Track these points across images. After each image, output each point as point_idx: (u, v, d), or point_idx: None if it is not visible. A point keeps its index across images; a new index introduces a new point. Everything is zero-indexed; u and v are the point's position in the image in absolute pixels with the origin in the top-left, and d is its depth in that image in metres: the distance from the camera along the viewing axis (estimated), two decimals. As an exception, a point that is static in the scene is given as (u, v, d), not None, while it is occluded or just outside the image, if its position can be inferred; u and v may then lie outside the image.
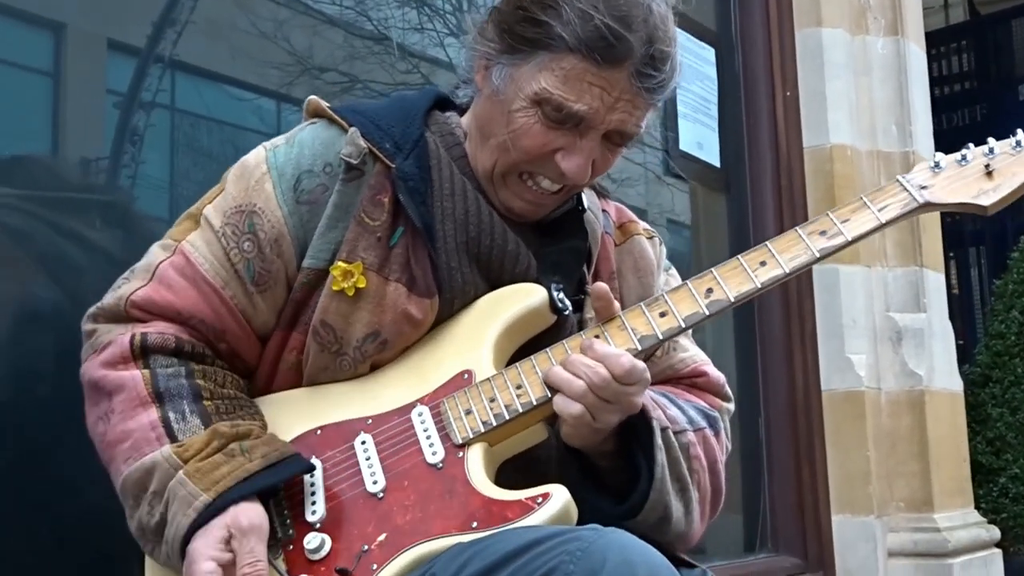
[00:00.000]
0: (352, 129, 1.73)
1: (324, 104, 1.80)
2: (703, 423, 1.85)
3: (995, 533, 4.34)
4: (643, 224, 2.02)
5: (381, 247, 1.72)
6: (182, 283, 1.70)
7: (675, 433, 1.76)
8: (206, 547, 1.53)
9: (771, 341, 4.17)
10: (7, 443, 2.08)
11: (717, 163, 4.27)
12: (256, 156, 1.78)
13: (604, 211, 1.96)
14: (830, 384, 4.14)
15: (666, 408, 1.79)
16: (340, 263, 1.69)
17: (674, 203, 4.31)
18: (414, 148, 1.76)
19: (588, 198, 1.91)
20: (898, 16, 4.47)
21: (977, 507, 4.44)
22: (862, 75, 4.40)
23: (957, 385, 4.38)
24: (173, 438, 1.61)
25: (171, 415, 1.63)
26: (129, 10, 2.46)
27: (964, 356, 4.62)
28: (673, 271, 2.03)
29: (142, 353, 1.67)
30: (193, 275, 1.70)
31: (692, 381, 1.96)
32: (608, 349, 1.63)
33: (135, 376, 1.65)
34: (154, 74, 2.45)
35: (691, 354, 1.96)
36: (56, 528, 2.11)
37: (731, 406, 1.99)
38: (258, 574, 1.52)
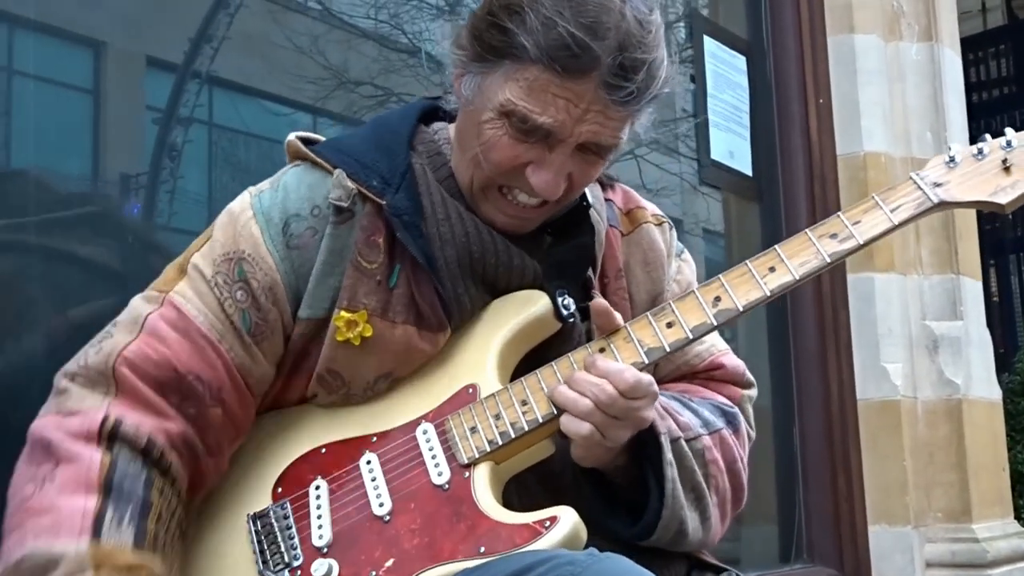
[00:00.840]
0: (337, 171, 1.67)
1: (303, 148, 1.74)
2: (719, 423, 1.80)
3: (1035, 544, 4.31)
4: (652, 209, 1.95)
5: (382, 290, 1.66)
6: (174, 336, 1.60)
7: (688, 440, 1.71)
8: None
9: (806, 350, 4.17)
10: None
11: (749, 172, 4.28)
12: (241, 202, 1.71)
13: (609, 200, 1.90)
14: (866, 393, 4.13)
15: (678, 415, 1.74)
16: (343, 312, 1.64)
17: (709, 212, 4.33)
18: (403, 180, 1.69)
19: (591, 193, 1.83)
20: (932, 21, 4.46)
21: (1017, 517, 4.41)
22: (896, 81, 4.39)
23: (995, 394, 4.36)
24: (96, 537, 1.46)
25: (108, 513, 1.49)
26: (167, 27, 2.51)
27: (1005, 364, 4.60)
28: (686, 255, 1.98)
29: (109, 440, 1.53)
30: (186, 327, 1.61)
31: (710, 375, 1.91)
32: (612, 365, 1.59)
33: (93, 458, 1.51)
34: (192, 90, 2.50)
35: (707, 347, 1.91)
36: None
37: (753, 392, 1.96)
38: None
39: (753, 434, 1.92)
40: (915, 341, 4.22)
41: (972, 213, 4.45)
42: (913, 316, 4.24)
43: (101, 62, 2.38)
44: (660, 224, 1.93)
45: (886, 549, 4.01)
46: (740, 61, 4.30)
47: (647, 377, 1.59)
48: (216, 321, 1.63)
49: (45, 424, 1.57)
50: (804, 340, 4.18)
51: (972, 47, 8.49)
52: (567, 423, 1.58)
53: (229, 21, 2.56)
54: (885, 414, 4.09)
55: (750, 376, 1.96)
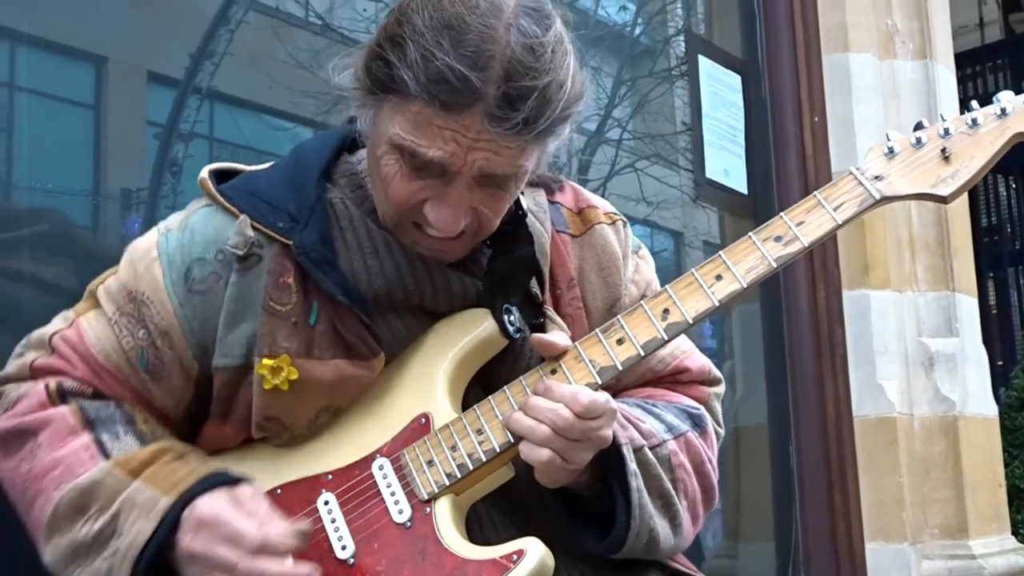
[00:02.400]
0: (242, 217, 1.63)
1: (212, 188, 1.69)
2: (684, 426, 1.77)
3: (1033, 560, 4.32)
4: (604, 207, 1.89)
5: (301, 331, 1.61)
6: (75, 357, 1.65)
7: (652, 448, 1.68)
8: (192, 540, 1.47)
9: (802, 367, 4.20)
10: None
11: (744, 190, 4.30)
12: (147, 241, 1.69)
13: (555, 203, 1.84)
14: (862, 410, 4.15)
15: (640, 423, 1.70)
16: (264, 360, 1.59)
17: (710, 225, 4.36)
18: (311, 214, 1.63)
19: (528, 200, 1.76)
20: (926, 39, 4.49)
21: (1015, 533, 4.42)
22: (891, 99, 4.42)
23: (992, 410, 4.38)
24: (107, 456, 1.55)
25: (104, 436, 1.57)
26: (168, 43, 2.53)
27: (1003, 377, 4.61)
28: (644, 252, 1.92)
29: (60, 397, 1.61)
30: (84, 352, 1.64)
31: (675, 378, 1.87)
32: (565, 389, 1.55)
33: (61, 411, 1.59)
34: (192, 105, 2.52)
35: (670, 351, 1.84)
36: None
37: (720, 388, 1.93)
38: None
39: (722, 431, 1.90)
40: (911, 358, 4.24)
41: (967, 229, 4.49)
42: (909, 333, 4.26)
43: (102, 77, 2.40)
44: (613, 223, 1.87)
45: (883, 566, 4.02)
46: (735, 80, 4.33)
47: (603, 395, 1.55)
48: (112, 353, 1.64)
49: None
50: (800, 357, 4.20)
51: (969, 61, 8.51)
52: (526, 451, 1.55)
53: (230, 37, 2.58)
54: (881, 431, 4.11)
55: (717, 372, 1.93)
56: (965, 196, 4.51)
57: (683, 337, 1.83)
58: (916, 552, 4.05)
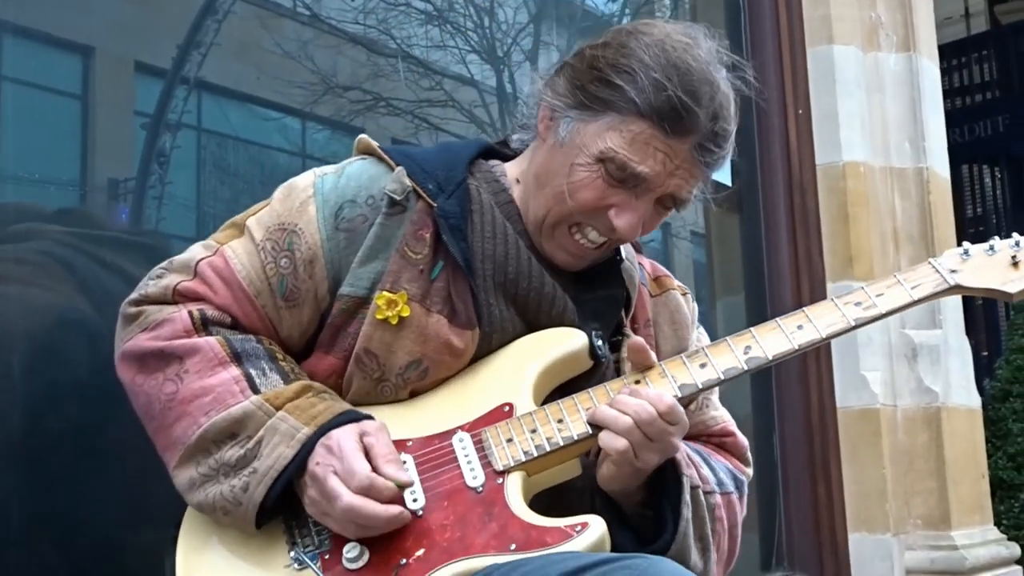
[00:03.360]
0: (399, 168, 1.81)
1: (374, 144, 1.88)
2: (731, 487, 1.93)
3: (1015, 550, 4.36)
4: (676, 281, 2.10)
5: (423, 280, 1.77)
6: (219, 283, 1.78)
7: (705, 493, 1.83)
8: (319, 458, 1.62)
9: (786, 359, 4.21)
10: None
11: (728, 182, 4.32)
12: (305, 179, 1.86)
13: (640, 264, 2.03)
14: (845, 401, 4.18)
15: (699, 467, 1.86)
16: (385, 293, 1.75)
17: (697, 216, 4.38)
18: (456, 190, 1.82)
19: (625, 250, 1.97)
20: (910, 32, 4.52)
21: (997, 524, 4.45)
22: (875, 92, 4.45)
23: (975, 401, 4.41)
24: (256, 391, 1.68)
25: (252, 372, 1.71)
26: (156, 33, 2.54)
27: (988, 368, 4.63)
28: (702, 330, 2.10)
29: (203, 326, 1.74)
30: (229, 278, 1.78)
31: (720, 441, 2.03)
32: (652, 391, 1.70)
33: (209, 341, 1.72)
34: (180, 95, 2.52)
35: (721, 414, 2.05)
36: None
37: (751, 472, 2.07)
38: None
39: (745, 511, 2.02)
40: (894, 350, 4.27)
41: (951, 222, 4.52)
42: (892, 325, 4.28)
43: (90, 68, 2.41)
44: (685, 295, 2.07)
45: (866, 556, 4.05)
46: (720, 72, 4.34)
47: (681, 407, 1.70)
48: (256, 279, 1.78)
49: (138, 341, 1.75)
50: (784, 349, 4.22)
51: (955, 52, 8.53)
52: (606, 439, 1.68)
53: (217, 27, 2.59)
54: (865, 422, 4.14)
55: (750, 457, 2.08)
56: (948, 188, 4.56)
57: (728, 414, 2.08)
58: (899, 543, 4.07)
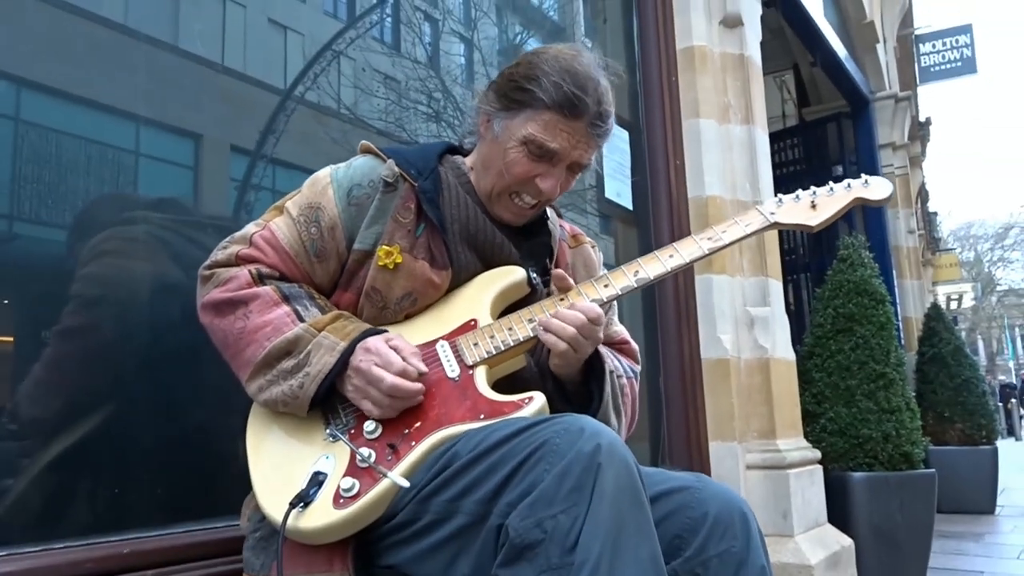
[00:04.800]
0: (390, 160, 1.77)
1: (373, 146, 1.83)
2: (631, 374, 1.92)
3: (816, 454, 4.38)
4: (587, 238, 2.05)
5: (410, 236, 1.73)
6: (268, 249, 1.73)
7: (616, 377, 1.83)
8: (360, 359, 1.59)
9: (667, 324, 4.19)
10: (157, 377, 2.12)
11: (630, 207, 4.33)
12: (324, 172, 1.81)
13: (561, 225, 1.98)
14: (708, 354, 4.13)
15: (614, 360, 1.86)
16: (384, 247, 1.71)
17: (607, 226, 4.37)
18: (431, 174, 1.78)
19: (551, 215, 1.94)
20: (749, 112, 4.52)
21: (805, 437, 4.50)
22: (727, 150, 4.43)
23: (791, 356, 4.41)
24: (302, 321, 1.63)
25: (298, 308, 1.65)
26: (244, 123, 2.50)
27: (796, 339, 4.69)
28: (606, 271, 1.98)
29: (259, 279, 1.69)
30: (276, 245, 1.73)
31: (620, 347, 2.00)
32: (584, 303, 1.68)
33: (266, 289, 1.67)
34: (260, 168, 2.49)
35: (620, 329, 2.02)
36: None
37: (639, 368, 2.04)
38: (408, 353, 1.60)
39: (638, 394, 2.00)
40: (739, 320, 4.26)
41: (776, 240, 4.54)
42: (738, 303, 4.27)
43: (199, 148, 2.38)
44: (594, 247, 2.03)
45: (721, 457, 4.04)
46: (624, 134, 4.34)
47: (602, 311, 1.70)
48: (295, 244, 1.73)
49: (213, 295, 1.68)
50: (666, 319, 4.21)
51: (775, 139, 8.58)
52: (552, 341, 1.66)
53: (287, 120, 2.56)
54: (719, 368, 4.10)
55: (639, 358, 2.05)
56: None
57: (624, 328, 2.03)
58: (742, 448, 4.05)
